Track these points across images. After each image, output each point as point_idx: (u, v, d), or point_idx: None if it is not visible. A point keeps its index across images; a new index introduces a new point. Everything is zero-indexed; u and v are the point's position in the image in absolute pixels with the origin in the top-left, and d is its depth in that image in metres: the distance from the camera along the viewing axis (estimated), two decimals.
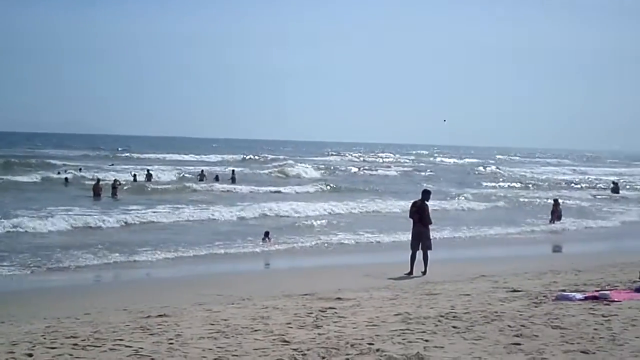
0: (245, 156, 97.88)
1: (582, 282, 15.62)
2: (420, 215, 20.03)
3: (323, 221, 31.94)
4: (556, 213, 35.44)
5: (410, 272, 19.28)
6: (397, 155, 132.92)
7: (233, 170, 61.94)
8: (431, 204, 20.94)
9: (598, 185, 66.17)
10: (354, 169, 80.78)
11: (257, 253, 24.12)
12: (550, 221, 35.07)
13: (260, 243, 25.42)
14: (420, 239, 19.79)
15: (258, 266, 22.39)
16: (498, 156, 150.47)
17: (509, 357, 8.66)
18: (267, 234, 26.14)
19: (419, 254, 19.69)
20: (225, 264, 22.07)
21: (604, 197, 52.59)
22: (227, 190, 49.63)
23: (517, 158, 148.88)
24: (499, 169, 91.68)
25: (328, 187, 53.82)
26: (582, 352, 8.78)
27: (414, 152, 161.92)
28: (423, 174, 78.98)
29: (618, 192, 54.61)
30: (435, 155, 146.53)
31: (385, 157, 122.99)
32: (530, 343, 9.29)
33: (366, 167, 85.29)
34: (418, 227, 19.92)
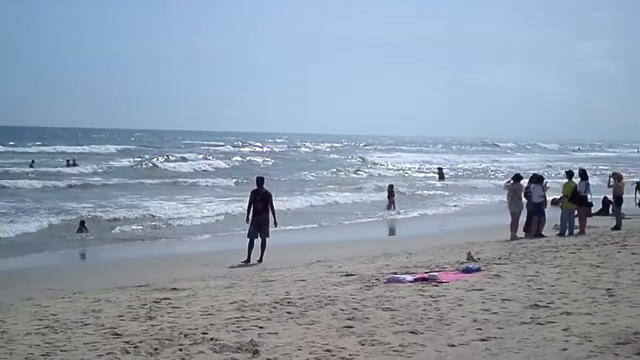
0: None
1: (413, 264, 16.09)
2: (264, 203, 20.10)
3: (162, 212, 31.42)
4: (392, 199, 36.48)
5: (248, 260, 19.29)
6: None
7: (74, 159, 60.46)
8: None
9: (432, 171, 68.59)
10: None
11: (87, 245, 23.47)
12: (387, 207, 36.06)
13: (79, 234, 24.66)
14: (260, 227, 19.84)
15: (91, 258, 21.78)
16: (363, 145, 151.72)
17: (341, 340, 8.78)
18: (82, 223, 25.31)
19: (257, 241, 19.74)
20: (53, 258, 21.32)
21: (432, 182, 54.70)
22: None
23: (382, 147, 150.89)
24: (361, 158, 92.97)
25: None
26: (411, 332, 9.02)
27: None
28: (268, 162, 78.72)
29: (443, 178, 57.62)
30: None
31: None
32: (362, 325, 9.48)
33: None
34: (262, 216, 19.95)
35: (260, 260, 19.32)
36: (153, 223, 27.73)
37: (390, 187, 38.08)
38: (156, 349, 8.57)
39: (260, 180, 20.71)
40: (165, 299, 12.49)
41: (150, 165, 63.55)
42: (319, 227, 28.92)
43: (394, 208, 35.91)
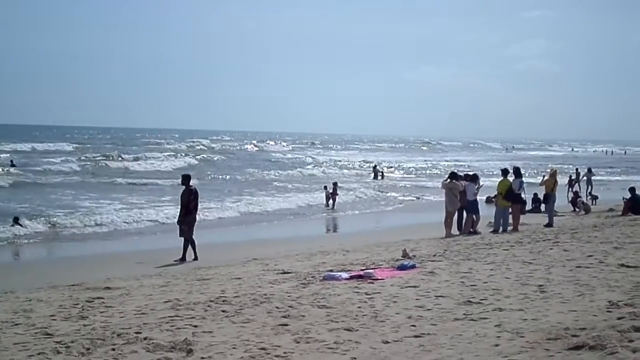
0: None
1: (350, 262, 16.15)
2: (195, 201, 20.01)
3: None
4: (334, 196, 36.61)
5: (183, 259, 19.12)
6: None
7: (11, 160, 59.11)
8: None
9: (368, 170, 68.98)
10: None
11: (15, 242, 23.00)
12: (328, 205, 36.19)
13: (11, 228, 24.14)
14: (192, 225, 19.72)
15: (23, 257, 21.35)
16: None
17: (276, 338, 8.76)
18: (16, 219, 24.79)
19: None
20: None
21: (370, 181, 55.06)
22: None
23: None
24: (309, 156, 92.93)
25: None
26: (346, 329, 9.05)
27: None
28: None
29: (380, 177, 57.98)
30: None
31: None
32: (297, 323, 9.47)
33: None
34: (194, 214, 19.89)
35: (196, 257, 19.18)
36: (92, 222, 27.18)
37: (334, 185, 38.23)
38: (88, 349, 8.43)
39: (188, 178, 20.53)
40: (98, 298, 12.33)
41: (96, 164, 62.49)
42: (257, 225, 28.77)
43: (334, 206, 36.04)
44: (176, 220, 20.20)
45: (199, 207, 20.58)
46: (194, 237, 19.65)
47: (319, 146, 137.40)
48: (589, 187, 41.87)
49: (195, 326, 9.53)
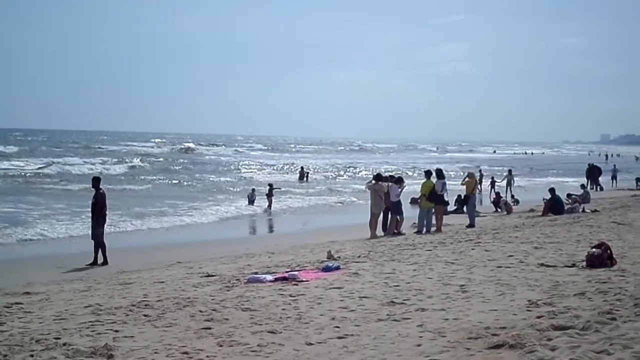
0: None
1: (275, 264, 16.13)
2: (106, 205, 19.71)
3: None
4: (270, 198, 36.56)
5: (95, 262, 18.76)
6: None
7: None
8: None
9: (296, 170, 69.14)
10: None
11: None
12: (268, 206, 36.24)
13: None
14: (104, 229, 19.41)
15: None
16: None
17: (199, 342, 8.67)
18: None
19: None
20: None
21: (295, 182, 55.24)
22: None
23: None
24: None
25: None
26: (269, 332, 9.01)
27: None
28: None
29: (305, 179, 58.33)
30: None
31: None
32: (221, 327, 9.40)
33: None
34: (105, 218, 19.57)
35: (106, 262, 18.82)
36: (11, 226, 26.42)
37: (270, 186, 38.21)
38: (5, 356, 8.22)
39: (99, 181, 20.14)
40: (17, 303, 12.01)
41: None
42: (182, 227, 28.43)
43: (270, 208, 36.03)
44: (90, 224, 19.76)
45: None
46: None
47: (243, 147, 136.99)
48: (509, 188, 42.91)
49: (117, 331, 9.37)
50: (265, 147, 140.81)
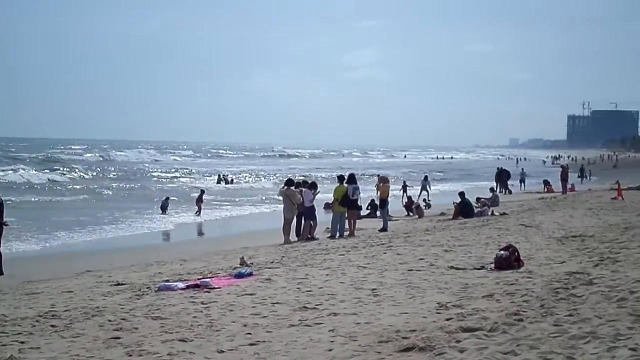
0: None
1: (187, 271, 15.95)
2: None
3: None
4: (199, 204, 36.29)
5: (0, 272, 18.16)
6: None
7: None
8: None
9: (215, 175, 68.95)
10: None
11: None
12: (197, 212, 36.19)
13: None
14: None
15: None
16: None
17: (107, 352, 8.50)
18: None
19: None
20: None
21: (212, 187, 55.06)
22: None
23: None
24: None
25: None
26: (180, 340, 8.89)
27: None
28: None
29: (226, 183, 59.25)
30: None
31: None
32: (130, 336, 9.22)
33: None
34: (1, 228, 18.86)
35: (1, 272, 18.24)
36: None
37: (202, 192, 37.89)
38: None
39: None
40: None
41: None
42: (92, 233, 27.83)
43: (199, 213, 35.79)
44: None
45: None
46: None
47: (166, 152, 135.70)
48: (425, 193, 43.68)
49: (22, 342, 9.11)
50: (192, 153, 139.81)
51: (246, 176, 74.76)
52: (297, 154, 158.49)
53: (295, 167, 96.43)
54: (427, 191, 44.62)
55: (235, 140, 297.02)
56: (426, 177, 48.45)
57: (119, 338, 9.13)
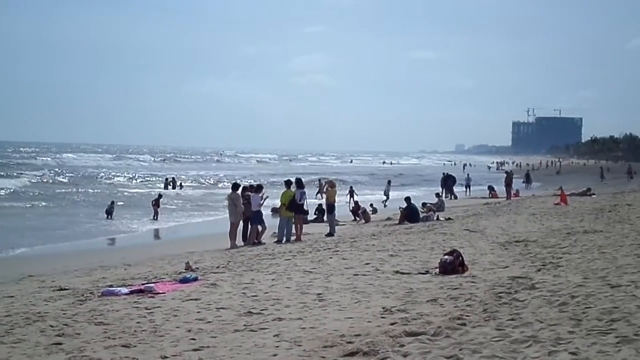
0: None
1: (131, 276, 15.80)
2: None
3: None
4: (156, 209, 35.97)
5: None
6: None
7: None
8: None
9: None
10: None
11: None
12: (154, 216, 36.02)
13: None
14: None
15: None
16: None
17: (49, 358, 8.38)
18: None
19: None
20: None
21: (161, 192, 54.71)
22: None
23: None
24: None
25: None
26: (123, 345, 8.79)
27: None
28: None
29: (174, 188, 59.03)
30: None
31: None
32: (72, 342, 9.09)
33: None
34: None
35: None
36: None
37: (159, 196, 37.52)
38: None
39: None
40: None
41: None
42: (34, 238, 27.36)
43: (156, 217, 35.56)
44: None
45: None
46: None
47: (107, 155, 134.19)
48: (385, 197, 44.33)
49: None
50: (149, 157, 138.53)
51: (196, 181, 74.35)
52: (252, 157, 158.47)
53: (247, 172, 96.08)
54: (387, 196, 45.00)
55: (187, 145, 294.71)
56: (389, 182, 48.89)
57: (61, 344, 9.01)
